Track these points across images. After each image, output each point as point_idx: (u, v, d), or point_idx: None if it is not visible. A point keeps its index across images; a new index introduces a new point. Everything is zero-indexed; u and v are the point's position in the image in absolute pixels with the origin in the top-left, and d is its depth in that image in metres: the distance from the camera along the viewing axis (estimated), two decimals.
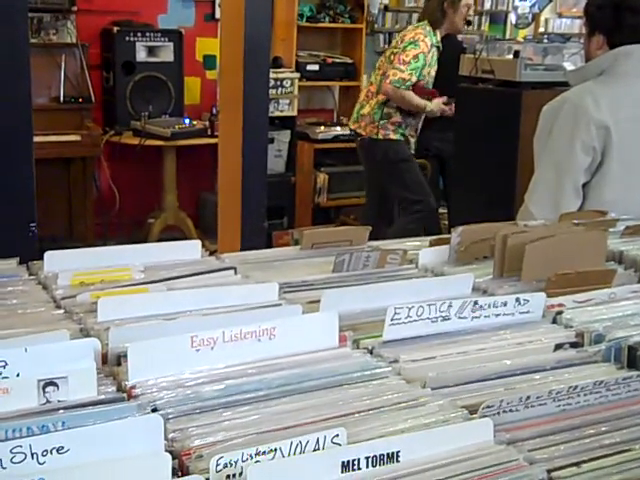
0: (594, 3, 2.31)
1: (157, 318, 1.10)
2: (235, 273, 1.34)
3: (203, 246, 1.46)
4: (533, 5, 6.99)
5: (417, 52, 4.30)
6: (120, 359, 0.97)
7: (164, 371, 0.93)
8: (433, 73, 4.42)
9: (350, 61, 5.91)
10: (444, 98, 4.36)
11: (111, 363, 0.98)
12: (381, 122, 4.40)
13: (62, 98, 4.90)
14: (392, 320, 1.07)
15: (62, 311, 1.15)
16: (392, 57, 4.38)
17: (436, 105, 4.37)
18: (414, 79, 4.27)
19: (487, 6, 6.71)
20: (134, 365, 0.92)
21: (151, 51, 5.20)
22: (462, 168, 3.71)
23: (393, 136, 4.41)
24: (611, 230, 1.62)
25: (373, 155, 4.49)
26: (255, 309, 1.15)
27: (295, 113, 5.52)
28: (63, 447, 0.74)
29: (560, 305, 1.20)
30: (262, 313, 1.09)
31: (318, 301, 1.15)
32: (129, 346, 0.93)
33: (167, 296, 1.16)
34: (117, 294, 1.16)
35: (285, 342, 1.01)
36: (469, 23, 4.81)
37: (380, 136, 4.41)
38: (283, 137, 5.46)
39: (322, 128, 5.69)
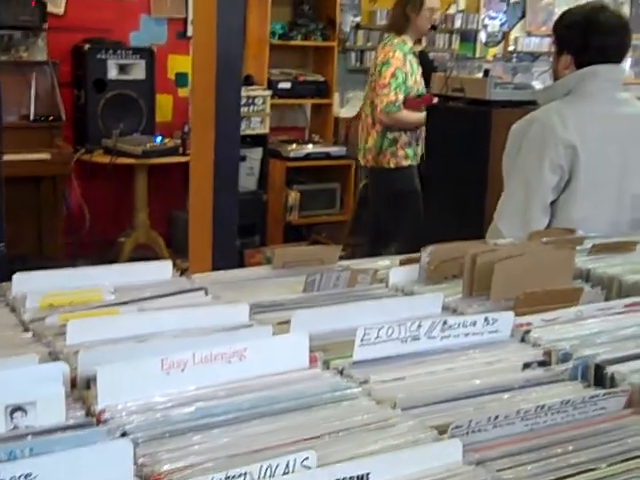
0: (563, 23, 2.35)
1: (127, 340, 1.09)
2: (206, 294, 1.34)
3: (174, 266, 1.46)
4: (503, 24, 7.08)
5: (392, 70, 4.30)
6: (89, 383, 0.96)
7: (134, 394, 0.93)
8: (420, 78, 4.41)
9: (322, 79, 5.94)
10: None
11: (80, 387, 0.97)
12: (390, 149, 4.39)
13: (32, 116, 4.88)
14: (362, 341, 1.08)
15: (30, 334, 1.14)
16: (374, 85, 4.39)
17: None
18: (401, 97, 4.28)
19: (457, 24, 6.78)
20: (103, 389, 0.91)
21: (123, 69, 5.19)
22: (433, 186, 3.74)
23: (405, 162, 4.38)
24: (579, 248, 1.64)
25: (385, 185, 4.45)
26: (226, 330, 1.14)
27: (267, 131, 5.53)
28: (31, 474, 0.73)
29: (528, 324, 1.21)
30: (233, 334, 1.09)
31: (289, 322, 1.16)
32: (98, 369, 0.92)
33: (137, 318, 1.16)
34: (87, 316, 1.16)
35: (255, 363, 1.01)
36: (435, 28, 4.80)
37: (392, 165, 4.39)
38: (255, 155, 5.47)
39: (294, 146, 5.71)
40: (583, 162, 2.18)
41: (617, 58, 2.30)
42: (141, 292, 1.30)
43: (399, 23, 4.44)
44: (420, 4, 4.41)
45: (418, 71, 4.44)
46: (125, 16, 5.45)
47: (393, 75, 4.29)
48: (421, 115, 4.22)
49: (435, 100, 4.13)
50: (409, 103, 4.30)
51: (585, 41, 2.26)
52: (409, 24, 4.43)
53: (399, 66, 4.32)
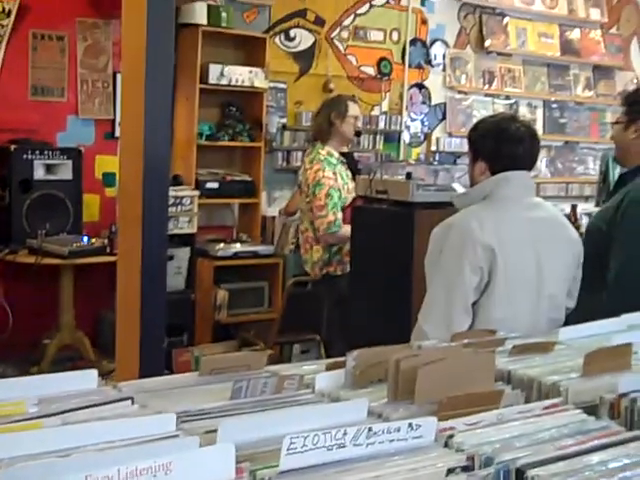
0: (476, 133, 2.47)
1: (51, 455, 1.08)
2: (132, 403, 1.33)
3: (100, 374, 1.45)
4: (424, 125, 7.33)
5: (326, 190, 4.35)
6: None
7: None
8: (351, 184, 4.44)
9: (249, 179, 6.02)
10: None
11: None
12: (336, 258, 4.46)
13: None
14: (288, 450, 1.08)
15: None
16: (309, 206, 4.45)
17: None
18: (339, 214, 4.34)
19: (381, 125, 6.98)
20: None
21: (49, 169, 5.18)
22: (359, 287, 3.79)
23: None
24: (500, 349, 1.68)
25: (334, 291, 4.47)
26: (152, 442, 1.14)
27: (195, 230, 5.55)
28: None
29: (451, 428, 1.23)
30: (158, 447, 1.09)
31: (216, 430, 1.16)
32: None
33: (61, 431, 1.14)
34: (8, 430, 1.14)
35: (182, 477, 1.00)
36: (359, 134, 4.92)
37: (339, 272, 4.46)
38: (183, 254, 5.47)
39: (222, 245, 5.73)
40: (501, 264, 2.26)
41: (527, 165, 2.43)
42: (66, 403, 1.28)
43: (324, 131, 4.51)
44: (345, 110, 4.52)
45: (348, 179, 4.52)
46: (52, 117, 5.48)
47: (328, 195, 4.35)
48: None
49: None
50: (348, 212, 4.31)
51: (497, 149, 2.38)
52: (334, 131, 4.52)
53: (331, 185, 4.37)
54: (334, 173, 4.43)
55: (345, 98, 4.75)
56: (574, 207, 4.54)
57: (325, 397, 1.43)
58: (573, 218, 4.45)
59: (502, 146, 2.37)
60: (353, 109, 4.60)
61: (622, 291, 2.59)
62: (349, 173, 4.56)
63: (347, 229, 4.30)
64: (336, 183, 4.39)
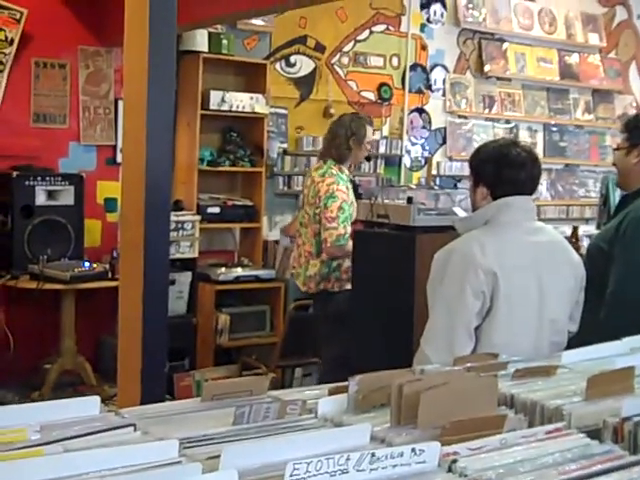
0: (478, 158, 2.48)
1: None
2: (135, 430, 1.33)
3: (102, 399, 1.44)
4: (425, 149, 7.36)
5: (339, 204, 4.39)
6: None
7: None
8: (355, 204, 4.49)
9: (250, 203, 6.04)
10: None
11: None
12: (334, 275, 4.47)
13: None
14: (291, 476, 1.08)
15: None
16: (317, 217, 4.46)
17: None
18: (349, 229, 4.37)
19: (382, 150, 7.01)
20: None
21: (51, 195, 5.20)
22: (361, 311, 3.79)
23: (348, 286, 4.38)
24: (502, 373, 1.68)
25: (329, 307, 4.49)
26: (155, 468, 1.13)
27: (196, 255, 5.57)
28: None
29: (455, 453, 1.23)
30: (161, 474, 1.08)
31: (219, 456, 1.15)
32: None
33: (63, 458, 1.14)
34: (10, 458, 1.13)
35: None
36: (369, 159, 5.10)
37: (336, 288, 4.47)
38: (184, 278, 5.48)
39: (223, 269, 5.74)
40: (503, 288, 2.26)
41: (528, 190, 2.43)
42: (67, 430, 1.28)
43: (342, 152, 4.57)
44: (363, 137, 4.60)
45: (354, 197, 4.57)
46: (54, 143, 5.51)
47: (340, 208, 4.39)
48: None
49: None
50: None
51: (498, 175, 2.39)
52: (350, 154, 4.60)
53: (345, 199, 4.43)
54: (347, 188, 4.51)
55: (364, 121, 4.79)
56: (575, 229, 4.55)
57: (328, 422, 1.43)
58: (574, 239, 4.45)
59: (503, 171, 2.38)
60: (369, 133, 4.70)
61: (620, 307, 2.60)
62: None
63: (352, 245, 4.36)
64: (348, 198, 4.46)
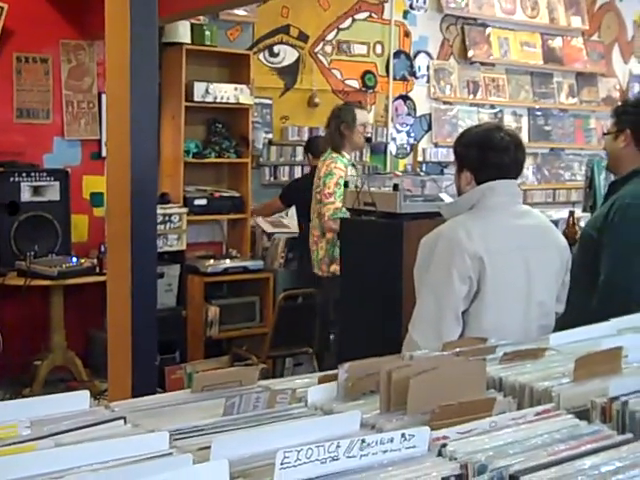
0: (461, 143, 2.49)
1: (45, 477, 1.07)
2: (125, 423, 1.33)
3: (93, 394, 1.44)
4: (410, 136, 7.36)
5: (335, 180, 4.57)
6: None
7: None
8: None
9: (237, 194, 6.03)
10: None
11: None
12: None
13: None
14: (282, 464, 1.08)
15: None
16: (318, 196, 4.65)
17: None
18: None
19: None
20: None
21: (36, 191, 5.18)
22: (349, 299, 3.79)
23: None
24: (491, 356, 1.69)
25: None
26: (145, 460, 1.14)
27: (184, 247, 5.56)
28: None
29: (444, 437, 1.24)
30: (152, 465, 1.09)
31: (209, 447, 1.16)
32: None
33: (54, 453, 1.14)
34: (1, 454, 1.13)
35: None
36: (369, 140, 5.20)
37: None
38: (173, 271, 5.47)
39: (211, 261, 5.73)
40: (490, 273, 2.27)
41: (513, 173, 2.44)
42: (58, 425, 1.28)
43: (336, 141, 4.76)
44: (353, 121, 4.73)
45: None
46: (38, 139, 5.48)
47: (337, 184, 4.54)
48: None
49: None
50: None
51: (482, 159, 2.40)
52: (345, 140, 4.76)
53: (341, 175, 4.57)
54: (345, 167, 4.65)
55: (353, 107, 4.95)
56: (572, 213, 4.54)
57: (318, 410, 1.43)
58: (572, 223, 4.46)
59: (487, 156, 2.38)
60: (361, 117, 4.82)
61: (611, 296, 2.61)
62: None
63: None
64: (346, 176, 4.54)
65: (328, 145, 4.87)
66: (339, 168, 4.63)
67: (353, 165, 4.83)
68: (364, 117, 4.93)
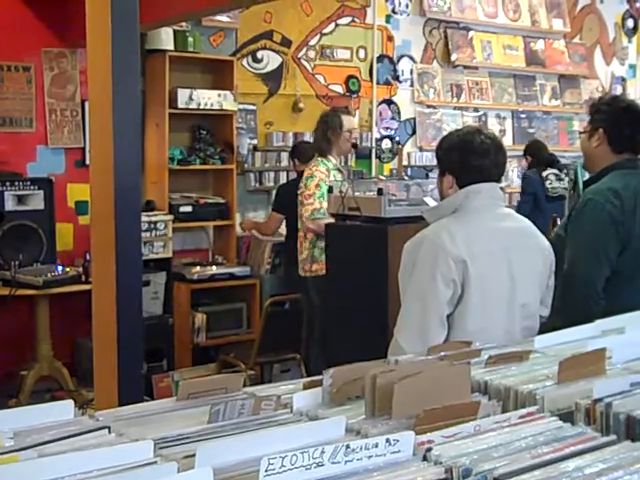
0: (442, 147, 2.50)
1: None
2: (109, 432, 1.32)
3: (80, 403, 1.44)
4: (395, 140, 7.37)
5: (316, 182, 4.61)
6: None
7: None
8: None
9: (223, 201, 6.02)
10: None
11: None
12: (322, 258, 4.48)
13: None
14: (266, 471, 1.08)
15: None
16: (300, 198, 4.70)
17: None
18: (325, 204, 4.44)
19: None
20: None
21: (20, 200, 5.15)
22: (335, 304, 3.79)
23: None
24: (476, 360, 1.69)
25: (321, 291, 4.53)
26: (130, 469, 1.13)
27: (170, 254, 5.54)
28: None
29: (429, 441, 1.24)
30: (136, 474, 1.08)
31: (194, 455, 1.15)
32: None
33: (37, 463, 1.13)
34: None
35: None
36: (355, 146, 5.19)
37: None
38: (159, 279, 5.45)
39: (198, 268, 5.73)
40: (473, 275, 2.27)
41: (495, 176, 2.45)
42: (42, 435, 1.27)
43: (322, 146, 4.80)
44: (339, 127, 4.76)
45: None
46: (21, 147, 5.46)
47: (317, 186, 4.60)
48: None
49: None
50: None
51: (463, 163, 2.41)
52: (331, 146, 4.80)
53: (322, 178, 4.62)
54: (328, 170, 4.67)
55: (339, 112, 4.99)
56: (554, 219, 4.56)
57: (303, 416, 1.43)
58: (553, 229, 4.47)
59: (468, 159, 2.39)
60: (347, 123, 4.85)
61: (570, 287, 2.64)
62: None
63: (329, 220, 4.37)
64: (327, 178, 4.62)
65: (315, 151, 4.92)
66: (320, 171, 4.69)
67: (339, 170, 4.85)
68: (351, 123, 4.96)
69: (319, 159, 4.80)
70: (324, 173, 4.69)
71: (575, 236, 2.72)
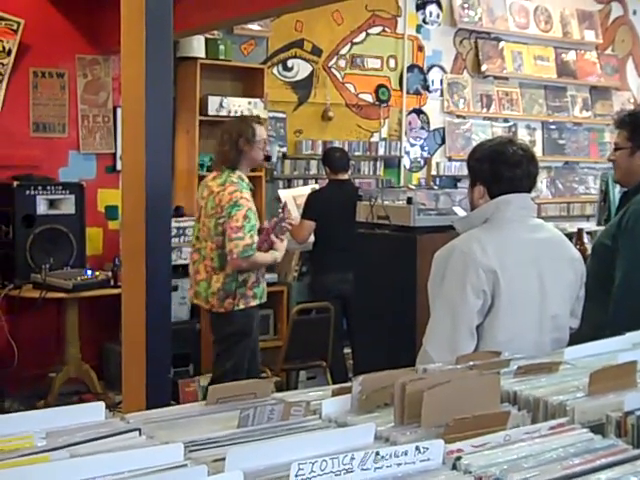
0: (474, 157, 2.49)
1: None
2: (140, 434, 1.33)
3: (107, 407, 1.45)
4: (424, 150, 7.36)
5: (244, 212, 4.08)
6: None
7: None
8: None
9: None
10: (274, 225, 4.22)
11: None
12: (240, 291, 4.17)
13: None
14: (296, 476, 1.08)
15: None
16: (220, 227, 4.15)
17: (281, 248, 4.25)
18: (256, 238, 4.11)
19: (381, 152, 7.02)
20: None
21: (52, 204, 5.21)
22: (364, 312, 3.79)
23: (253, 302, 4.22)
24: (505, 370, 1.68)
25: (229, 327, 4.23)
26: (160, 472, 1.14)
27: None
28: None
29: (459, 450, 1.24)
30: (167, 477, 1.09)
31: (224, 459, 1.16)
32: None
33: (69, 464, 1.14)
34: (17, 465, 1.14)
35: None
36: (269, 158, 4.77)
37: (241, 306, 4.18)
38: (186, 284, 5.46)
39: None
40: (504, 286, 2.26)
41: (526, 187, 2.44)
42: (73, 436, 1.28)
43: (233, 158, 4.24)
44: (253, 136, 4.26)
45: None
46: (54, 152, 5.53)
47: (245, 217, 4.07)
48: (270, 257, 4.17)
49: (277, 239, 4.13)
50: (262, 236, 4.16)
51: (495, 173, 2.40)
52: (242, 157, 4.26)
53: (249, 207, 4.12)
54: (249, 192, 4.21)
55: (251, 121, 4.40)
56: (580, 230, 4.53)
57: (332, 423, 1.43)
58: (579, 242, 4.44)
59: (499, 169, 2.38)
60: (260, 132, 4.34)
61: (625, 298, 2.61)
62: None
63: (263, 257, 4.15)
64: (253, 206, 4.18)
65: (221, 162, 4.29)
66: (245, 198, 4.12)
67: (251, 189, 4.28)
68: (263, 133, 4.40)
69: (234, 179, 4.18)
70: (249, 200, 4.14)
71: (632, 245, 2.68)
